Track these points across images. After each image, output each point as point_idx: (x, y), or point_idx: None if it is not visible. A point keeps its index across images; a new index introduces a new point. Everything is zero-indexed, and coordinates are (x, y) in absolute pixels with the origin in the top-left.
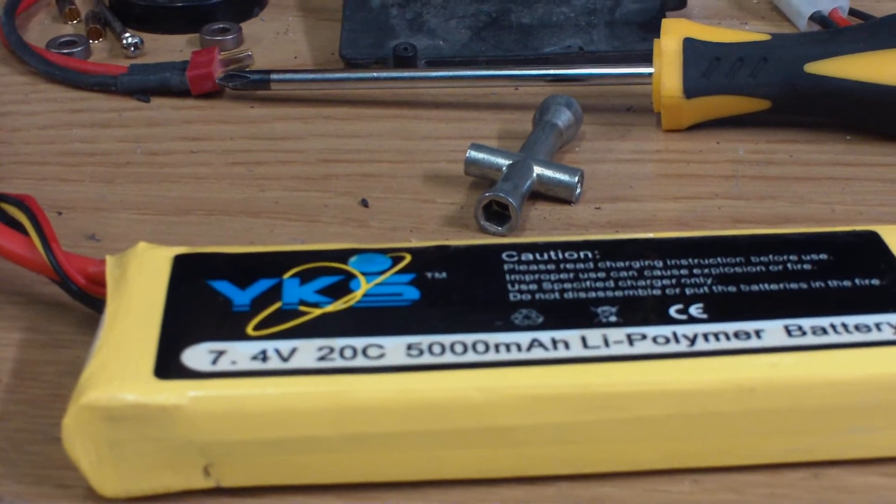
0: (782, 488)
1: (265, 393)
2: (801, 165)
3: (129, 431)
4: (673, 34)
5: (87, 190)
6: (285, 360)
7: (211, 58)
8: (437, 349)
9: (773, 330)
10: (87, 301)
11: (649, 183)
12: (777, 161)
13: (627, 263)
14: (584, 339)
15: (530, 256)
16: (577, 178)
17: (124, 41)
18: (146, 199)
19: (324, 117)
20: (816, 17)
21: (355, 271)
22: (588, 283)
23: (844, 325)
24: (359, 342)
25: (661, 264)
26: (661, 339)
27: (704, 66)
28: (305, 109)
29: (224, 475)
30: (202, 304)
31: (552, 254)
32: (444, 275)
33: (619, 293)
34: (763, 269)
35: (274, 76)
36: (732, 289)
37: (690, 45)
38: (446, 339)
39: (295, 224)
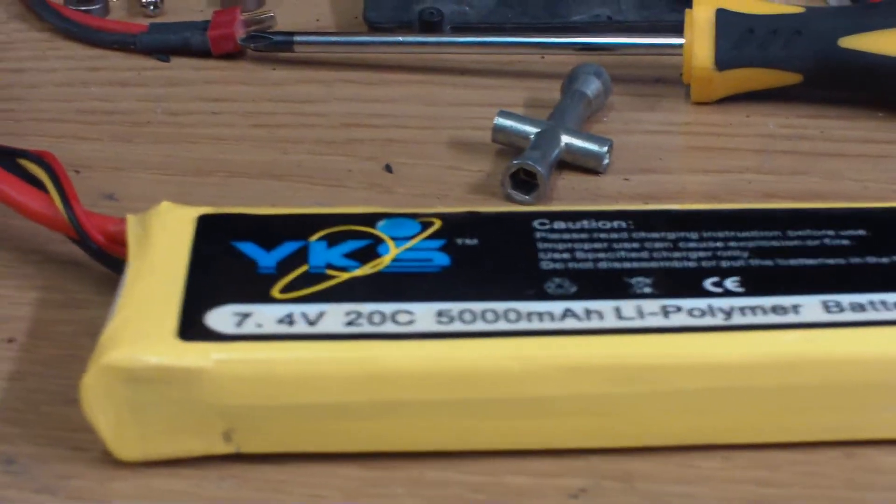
0: (814, 466)
1: (291, 357)
2: (833, 142)
3: (149, 393)
4: (705, 4)
5: (106, 149)
6: (312, 324)
7: (233, 18)
8: (467, 317)
9: (810, 305)
10: (105, 260)
11: (678, 155)
12: (808, 136)
13: (662, 234)
14: (618, 310)
15: (562, 225)
16: (606, 149)
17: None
18: (166, 159)
19: (347, 81)
20: None
21: (384, 235)
22: (622, 253)
23: (883, 303)
24: (387, 308)
25: (696, 236)
26: (696, 312)
27: (736, 37)
28: (328, 73)
29: (245, 441)
30: (227, 266)
31: (585, 223)
32: (474, 241)
33: (653, 264)
34: (800, 243)
35: (297, 38)
36: (769, 263)
37: (723, 16)
38: (477, 306)
39: (318, 188)
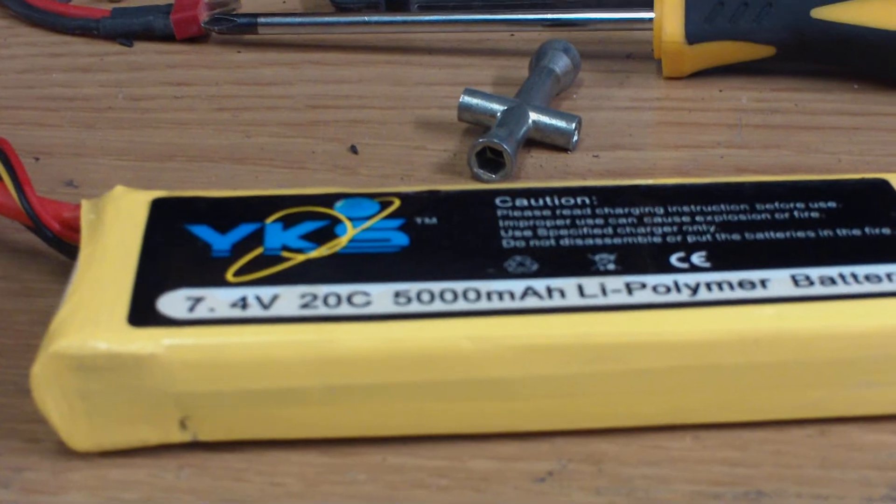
0: (787, 445)
1: (244, 341)
2: (807, 114)
3: (101, 381)
4: None
5: (66, 135)
6: (266, 307)
7: (196, 1)
8: (425, 297)
9: (779, 279)
10: (61, 248)
11: (649, 131)
12: (782, 110)
13: (626, 210)
14: (580, 288)
15: (525, 202)
16: (574, 125)
17: None
18: (127, 144)
19: (312, 62)
20: None
21: (341, 216)
22: (585, 229)
23: (854, 275)
24: (344, 289)
25: (661, 211)
26: (661, 289)
27: (707, 10)
28: (294, 54)
29: (201, 428)
30: (180, 250)
31: (548, 199)
32: (434, 220)
33: (617, 240)
34: (769, 216)
35: (261, 20)
36: (737, 237)
37: None
38: (436, 286)
39: (281, 171)
